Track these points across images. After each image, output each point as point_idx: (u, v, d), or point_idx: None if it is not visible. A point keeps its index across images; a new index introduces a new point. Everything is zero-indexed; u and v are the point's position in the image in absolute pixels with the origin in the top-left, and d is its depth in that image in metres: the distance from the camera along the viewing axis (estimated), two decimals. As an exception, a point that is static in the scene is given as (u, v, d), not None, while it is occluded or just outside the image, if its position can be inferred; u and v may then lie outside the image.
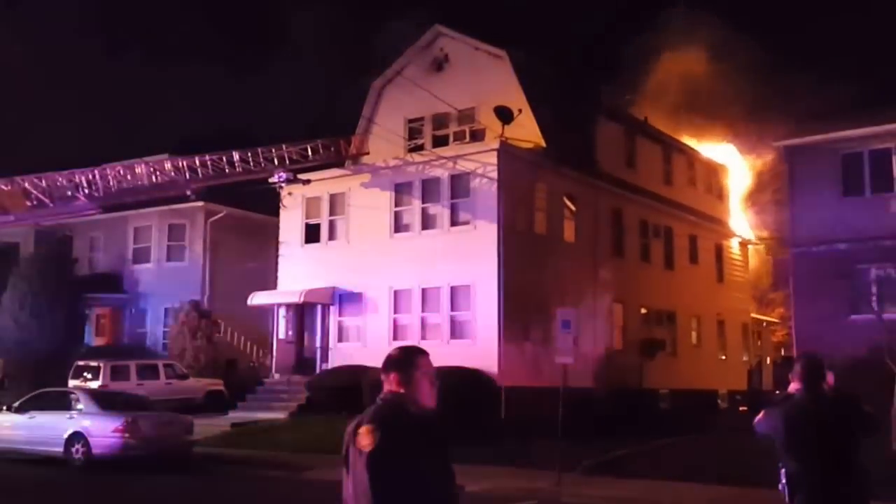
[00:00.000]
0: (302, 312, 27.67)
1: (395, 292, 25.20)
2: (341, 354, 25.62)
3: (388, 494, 3.67)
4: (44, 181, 25.24)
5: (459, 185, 24.73)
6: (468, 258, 23.69)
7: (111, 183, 25.89)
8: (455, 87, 27.12)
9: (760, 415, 6.44)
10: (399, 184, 25.88)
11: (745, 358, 36.26)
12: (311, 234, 27.57)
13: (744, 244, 37.31)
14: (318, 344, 26.72)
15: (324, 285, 26.34)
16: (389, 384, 3.97)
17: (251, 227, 33.37)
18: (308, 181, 26.92)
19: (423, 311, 24.74)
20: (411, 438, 3.77)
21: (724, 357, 34.47)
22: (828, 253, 22.58)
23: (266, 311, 28.84)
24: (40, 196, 24.79)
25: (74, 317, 31.07)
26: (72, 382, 24.34)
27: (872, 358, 18.38)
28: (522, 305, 23.65)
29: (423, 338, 23.90)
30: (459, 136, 27.77)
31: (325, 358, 26.27)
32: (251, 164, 26.41)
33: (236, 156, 26.28)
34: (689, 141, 36.33)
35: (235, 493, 15.82)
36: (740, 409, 32.11)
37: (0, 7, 62.23)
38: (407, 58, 28.92)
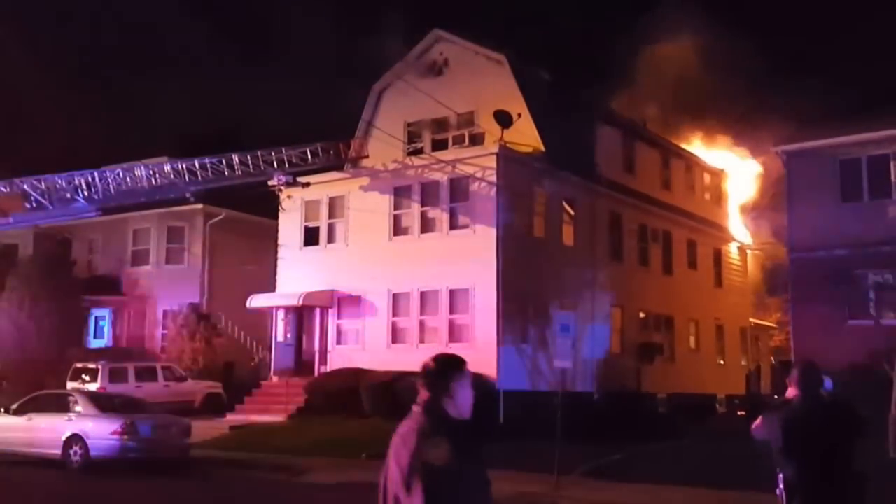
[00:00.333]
0: (301, 315, 27.65)
1: (394, 295, 25.20)
2: (340, 357, 25.63)
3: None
4: (43, 183, 25.31)
5: (458, 188, 24.76)
6: (467, 262, 23.70)
7: (110, 185, 25.96)
8: (454, 91, 27.16)
9: (758, 421, 6.47)
10: (398, 187, 25.91)
11: (743, 362, 36.27)
12: (310, 236, 27.57)
13: (742, 249, 37.35)
14: (316, 346, 26.71)
15: (322, 288, 26.35)
16: (427, 392, 3.97)
17: (250, 230, 33.30)
18: (307, 184, 26.95)
19: (421, 314, 24.72)
20: (460, 448, 3.79)
21: (722, 361, 34.50)
22: (826, 258, 22.62)
23: (265, 314, 28.85)
24: (39, 198, 24.83)
25: (73, 319, 31.10)
26: (70, 384, 24.36)
27: (870, 363, 18.42)
28: (521, 309, 23.68)
29: (422, 341, 23.94)
30: (459, 140, 27.82)
31: (323, 360, 26.26)
32: (250, 166, 26.45)
33: (236, 158, 26.32)
34: (688, 146, 36.38)
35: (233, 495, 15.79)
36: (738, 413, 32.10)
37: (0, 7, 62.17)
38: (406, 62, 28.97)
